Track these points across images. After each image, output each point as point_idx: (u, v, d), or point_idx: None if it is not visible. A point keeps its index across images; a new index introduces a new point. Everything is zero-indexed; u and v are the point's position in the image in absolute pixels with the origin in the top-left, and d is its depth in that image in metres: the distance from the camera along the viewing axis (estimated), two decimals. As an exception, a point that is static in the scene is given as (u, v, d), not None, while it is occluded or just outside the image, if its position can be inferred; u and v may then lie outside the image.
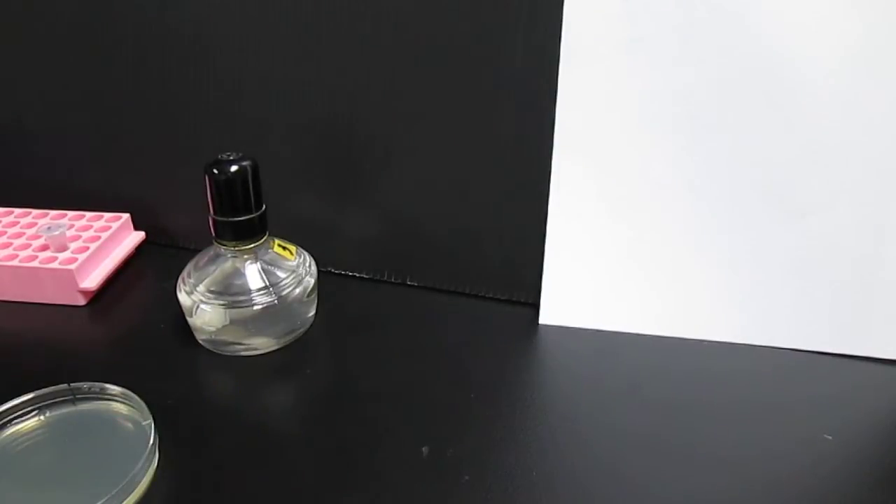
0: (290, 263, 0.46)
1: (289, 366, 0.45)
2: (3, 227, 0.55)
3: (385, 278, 0.54)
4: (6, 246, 0.52)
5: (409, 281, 0.53)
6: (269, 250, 0.46)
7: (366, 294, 0.53)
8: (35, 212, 0.57)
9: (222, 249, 0.45)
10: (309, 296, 0.47)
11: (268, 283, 0.45)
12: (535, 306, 0.49)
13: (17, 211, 0.57)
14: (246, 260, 0.45)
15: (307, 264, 0.48)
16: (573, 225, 0.48)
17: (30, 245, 0.52)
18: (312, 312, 0.49)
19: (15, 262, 0.50)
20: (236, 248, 0.44)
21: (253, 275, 0.45)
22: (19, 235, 0.54)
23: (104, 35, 0.53)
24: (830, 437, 0.40)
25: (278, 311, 0.45)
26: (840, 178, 0.44)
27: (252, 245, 0.45)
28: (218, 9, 0.50)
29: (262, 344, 0.46)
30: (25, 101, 0.58)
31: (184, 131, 0.54)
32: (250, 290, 0.44)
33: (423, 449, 0.38)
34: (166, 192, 0.57)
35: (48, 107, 0.57)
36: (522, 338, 0.48)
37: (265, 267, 0.45)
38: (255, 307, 0.44)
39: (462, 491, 0.36)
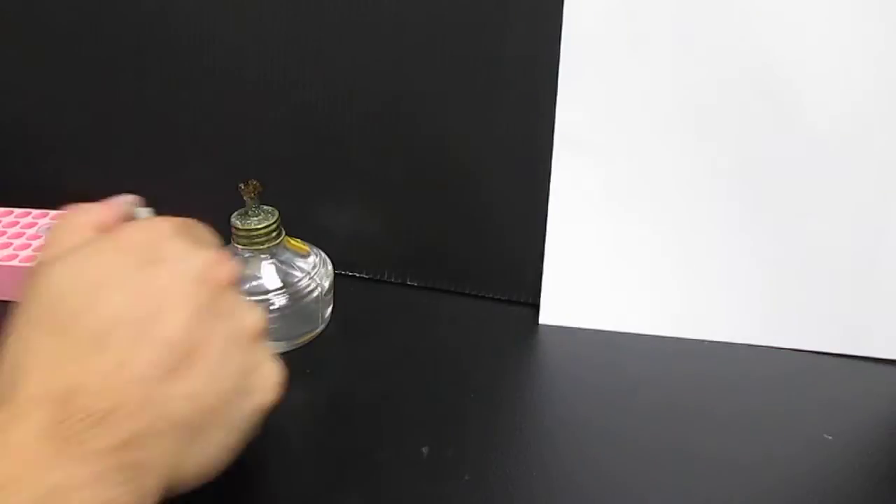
0: (305, 264, 0.46)
1: (288, 365, 0.45)
2: (3, 227, 0.55)
3: (385, 278, 0.54)
4: (6, 246, 0.52)
5: (409, 281, 0.53)
6: (287, 250, 0.46)
7: (366, 294, 0.53)
8: (35, 212, 0.57)
9: (239, 249, 0.45)
10: (326, 295, 0.47)
11: (283, 284, 0.45)
12: (535, 306, 0.49)
13: (17, 211, 0.57)
14: (262, 260, 0.45)
15: (325, 265, 0.47)
16: (573, 225, 0.48)
17: (30, 245, 0.52)
18: (328, 313, 0.48)
19: (15, 262, 0.50)
20: (252, 248, 0.44)
21: (270, 275, 0.45)
22: (19, 235, 0.54)
23: (104, 35, 0.53)
24: (831, 437, 0.40)
25: (291, 313, 0.44)
26: (840, 178, 0.44)
27: (267, 245, 0.44)
28: (220, 8, 0.50)
29: (274, 347, 0.45)
30: (26, 102, 0.57)
31: (184, 131, 0.54)
32: (267, 289, 0.44)
33: (423, 449, 0.38)
34: (166, 191, 0.57)
35: (48, 107, 0.57)
36: (522, 338, 0.48)
37: (280, 267, 0.45)
38: (271, 307, 0.44)
39: (462, 491, 0.36)
